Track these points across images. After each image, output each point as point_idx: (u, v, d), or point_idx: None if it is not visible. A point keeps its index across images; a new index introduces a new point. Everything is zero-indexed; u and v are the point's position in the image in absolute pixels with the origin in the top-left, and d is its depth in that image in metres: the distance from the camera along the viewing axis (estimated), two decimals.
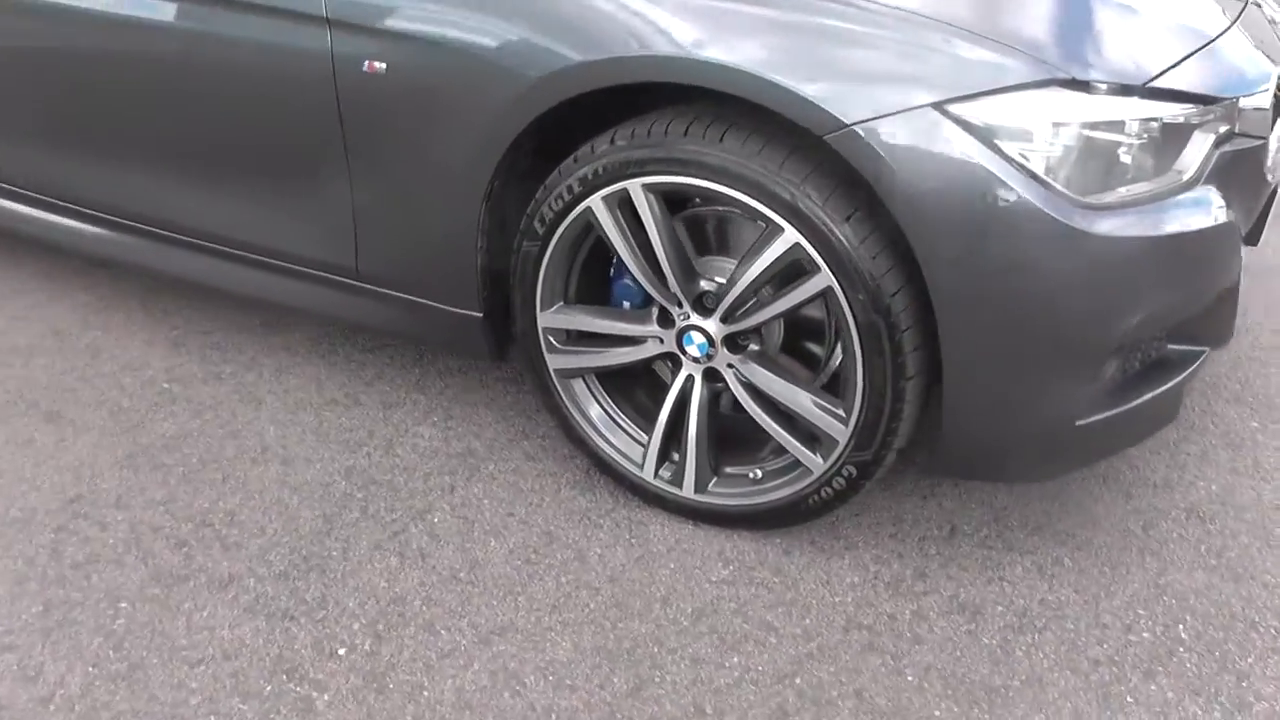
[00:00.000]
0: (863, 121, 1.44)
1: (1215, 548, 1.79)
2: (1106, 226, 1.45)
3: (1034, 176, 1.42)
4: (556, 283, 1.80)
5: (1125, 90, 1.48)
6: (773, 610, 1.66)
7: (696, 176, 1.58)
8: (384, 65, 1.75)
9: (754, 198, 1.54)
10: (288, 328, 2.41)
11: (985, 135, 1.42)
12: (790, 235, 1.54)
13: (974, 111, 1.42)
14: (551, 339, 1.84)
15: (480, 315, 1.90)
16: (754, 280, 1.61)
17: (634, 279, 1.76)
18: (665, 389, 1.81)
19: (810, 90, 1.45)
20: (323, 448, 2.03)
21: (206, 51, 1.96)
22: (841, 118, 1.44)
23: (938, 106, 1.42)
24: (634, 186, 1.63)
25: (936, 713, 1.50)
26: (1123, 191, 1.48)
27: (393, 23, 1.73)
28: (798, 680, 1.55)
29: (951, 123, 1.42)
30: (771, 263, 1.58)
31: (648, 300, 1.78)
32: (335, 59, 1.80)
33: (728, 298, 1.65)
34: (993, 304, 1.48)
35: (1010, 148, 1.42)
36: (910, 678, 1.56)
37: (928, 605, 1.67)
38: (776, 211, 1.54)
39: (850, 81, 1.46)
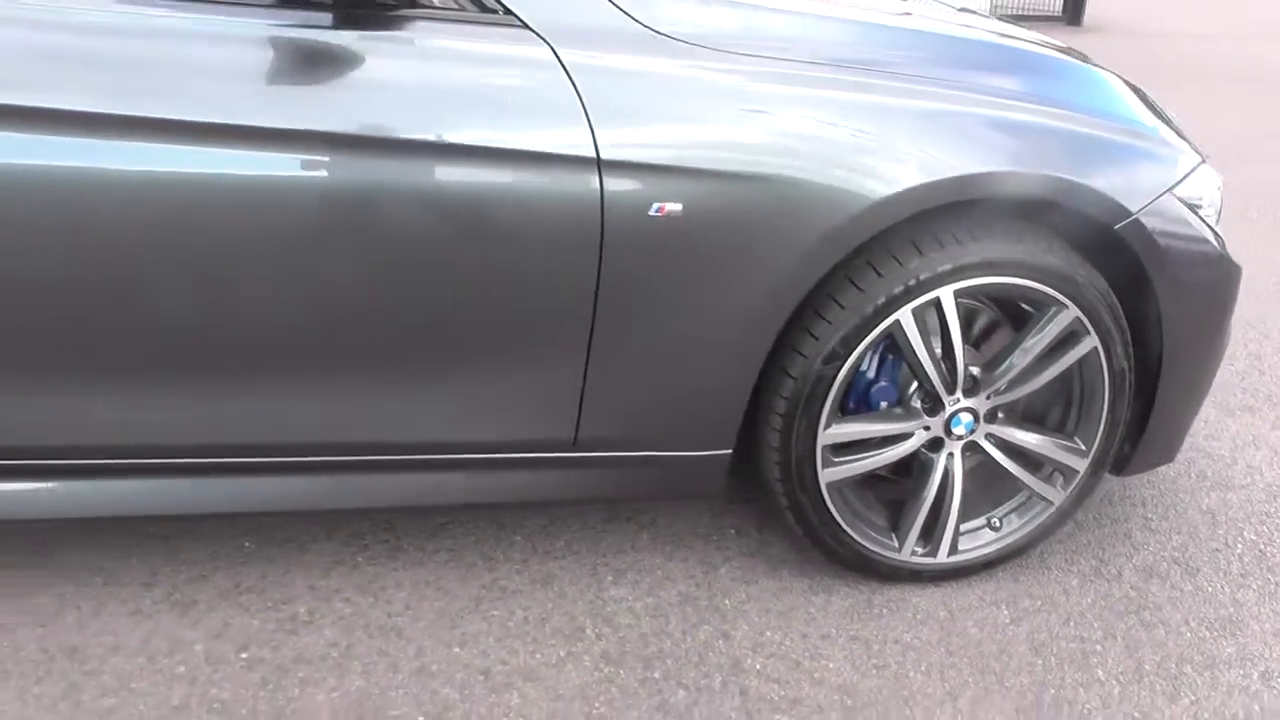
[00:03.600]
0: (1141, 209, 1.82)
1: None
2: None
3: (1213, 230, 1.95)
4: (836, 399, 1.82)
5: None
6: (1074, 620, 1.93)
7: (1004, 275, 1.78)
8: (679, 207, 1.61)
9: (1050, 285, 1.81)
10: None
11: (1193, 207, 1.90)
12: (1071, 312, 1.85)
13: (1185, 190, 1.89)
14: (829, 454, 1.85)
15: (729, 452, 1.82)
16: (1038, 355, 1.87)
17: (894, 379, 1.88)
18: (893, 475, 1.95)
19: (1105, 187, 1.79)
20: (542, 647, 1.76)
21: (384, 219, 1.56)
22: (1129, 208, 1.81)
23: (1170, 190, 1.87)
24: (945, 293, 1.77)
25: None
26: None
27: (696, 158, 1.60)
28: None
29: (1179, 202, 1.88)
30: (1054, 338, 1.86)
31: (899, 397, 1.91)
32: (607, 204, 1.59)
33: (1006, 375, 1.88)
34: (1203, 337, 1.97)
35: (1203, 213, 1.93)
36: None
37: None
38: (1064, 294, 1.83)
39: (1124, 179, 1.83)
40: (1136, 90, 2.05)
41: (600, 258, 1.61)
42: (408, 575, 1.92)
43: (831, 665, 1.79)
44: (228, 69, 1.54)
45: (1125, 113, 1.93)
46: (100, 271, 1.55)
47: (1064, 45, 2.16)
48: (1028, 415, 2.03)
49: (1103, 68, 2.03)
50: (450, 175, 1.57)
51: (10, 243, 1.53)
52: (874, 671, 1.79)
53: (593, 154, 1.57)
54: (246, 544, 1.98)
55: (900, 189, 1.67)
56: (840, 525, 1.91)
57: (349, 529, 2.03)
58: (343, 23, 1.56)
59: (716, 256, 1.65)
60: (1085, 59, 2.09)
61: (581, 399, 1.72)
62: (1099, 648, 1.88)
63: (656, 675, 1.74)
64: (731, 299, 1.68)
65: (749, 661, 1.78)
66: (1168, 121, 2.02)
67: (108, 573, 1.91)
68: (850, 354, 1.77)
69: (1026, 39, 2.11)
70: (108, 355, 1.61)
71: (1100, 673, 1.82)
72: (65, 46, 1.51)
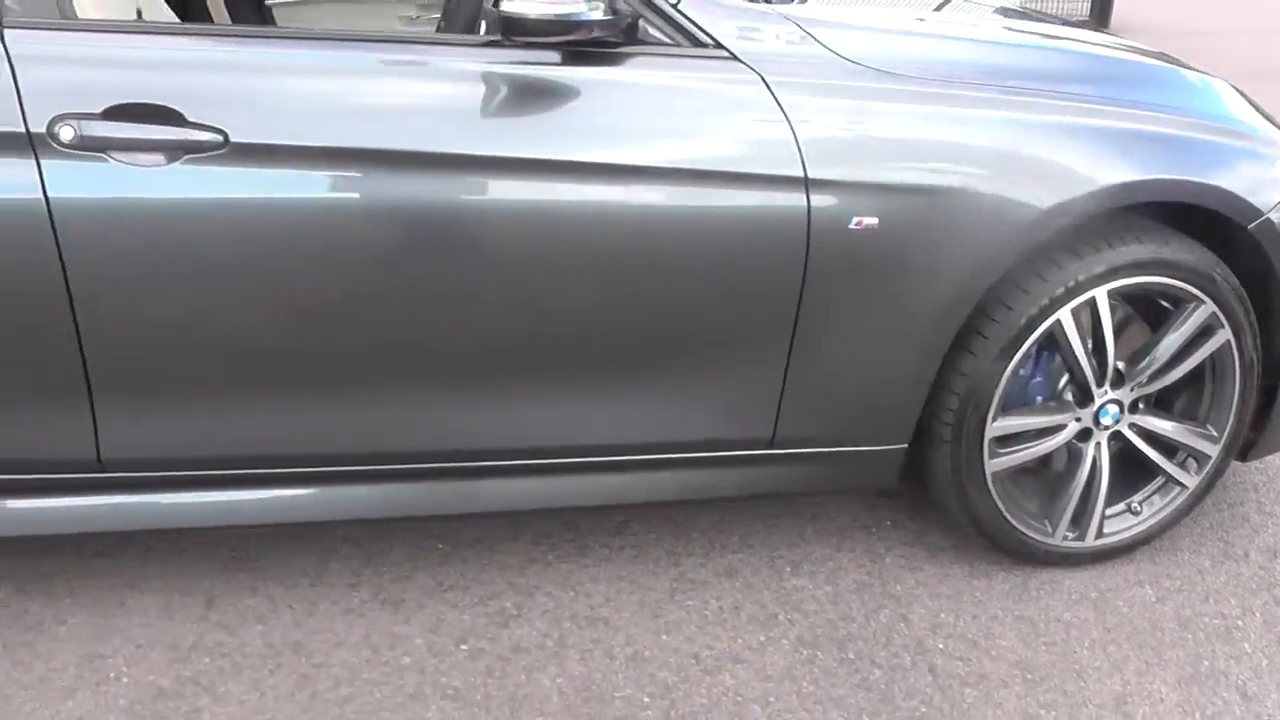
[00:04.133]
0: (1272, 209, 1.97)
1: None
2: None
3: None
4: (1003, 395, 1.96)
5: None
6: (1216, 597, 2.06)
7: (1152, 274, 1.93)
8: (875, 220, 1.75)
9: (1191, 283, 1.96)
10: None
11: None
12: (1208, 307, 1.99)
13: None
14: (994, 446, 1.99)
15: (905, 446, 1.96)
16: (1178, 349, 2.02)
17: (1047, 374, 2.03)
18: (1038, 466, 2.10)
19: (1239, 190, 1.94)
20: (742, 633, 1.90)
21: (606, 238, 1.71)
22: (1260, 208, 1.96)
23: None
24: (1100, 293, 1.92)
25: None
26: None
27: (889, 175, 1.75)
28: None
29: None
30: (1193, 332, 2.01)
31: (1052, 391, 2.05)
32: (813, 219, 1.73)
33: (1150, 368, 2.02)
34: None
35: None
36: None
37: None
38: (1203, 290, 1.98)
39: (1254, 182, 1.96)
40: (1241, 93, 2.21)
41: (805, 269, 1.76)
42: (601, 571, 2.03)
43: (1004, 643, 1.92)
44: (456, 104, 1.69)
45: (1245, 118, 2.08)
46: (350, 293, 1.69)
47: (1159, 51, 2.33)
48: (1161, 404, 2.18)
49: (1206, 73, 2.19)
50: (668, 197, 1.72)
51: (283, 272, 1.67)
52: (1044, 648, 1.92)
53: (801, 173, 1.71)
54: (440, 546, 2.10)
55: (1068, 197, 1.82)
56: (1002, 513, 2.04)
57: (534, 530, 2.14)
58: (568, 60, 1.71)
59: (906, 265, 1.79)
60: (1184, 64, 2.25)
61: (780, 400, 1.86)
62: (1240, 623, 2.02)
63: (851, 656, 1.86)
64: (917, 303, 1.82)
65: (930, 641, 1.91)
66: (1272, 121, 2.18)
67: (312, 575, 2.02)
68: (1016, 352, 1.91)
69: (1141, 50, 2.27)
70: (353, 370, 1.74)
71: (1246, 646, 1.96)
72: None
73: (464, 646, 1.86)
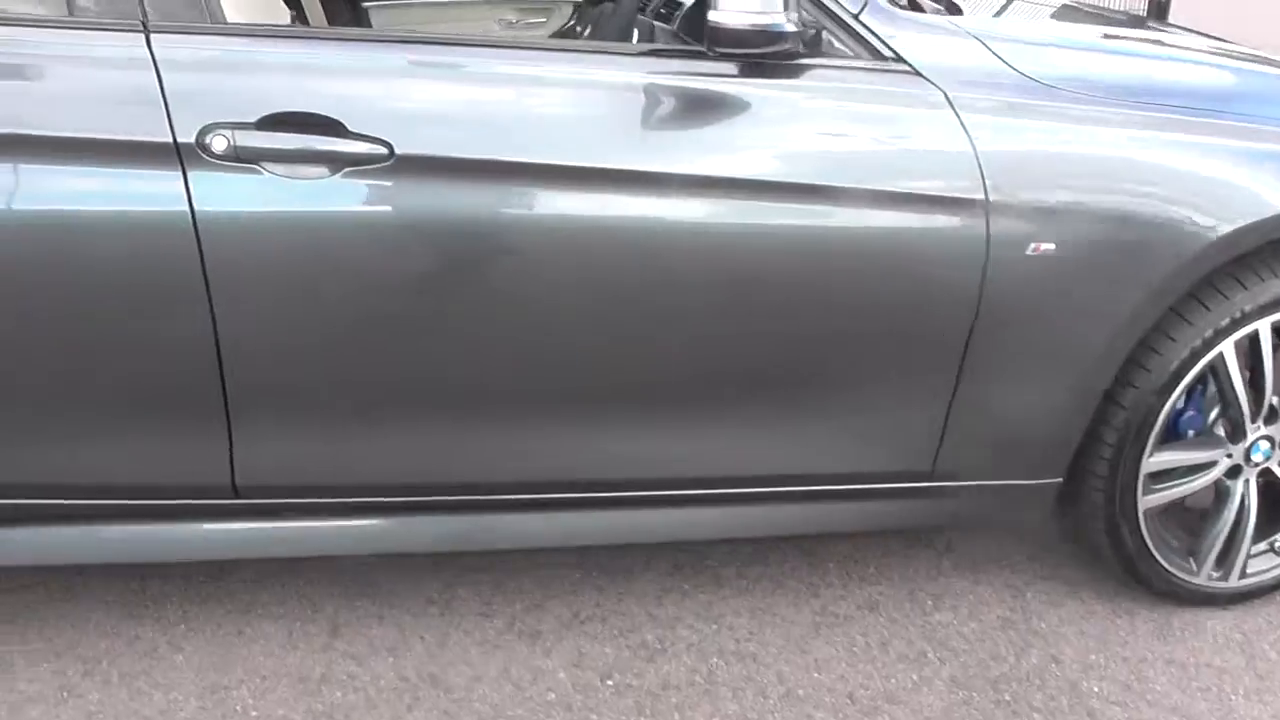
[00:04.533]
0: None
1: None
2: None
3: None
4: (1161, 429, 1.90)
5: None
6: None
7: None
8: (1053, 246, 1.69)
9: None
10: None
11: None
12: None
13: None
14: (1148, 482, 1.92)
15: (1060, 480, 1.89)
16: None
17: (1199, 408, 1.96)
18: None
19: None
20: (894, 672, 1.83)
21: (770, 261, 1.64)
22: None
23: None
24: (1264, 325, 1.85)
25: None
26: None
27: (1068, 198, 1.68)
28: None
29: None
30: None
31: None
32: (991, 244, 1.66)
33: None
34: None
35: None
36: None
37: None
38: None
39: None
40: None
41: (980, 296, 1.69)
42: (741, 603, 1.97)
43: (1158, 688, 1.86)
44: (624, 117, 1.62)
45: None
46: (515, 313, 1.63)
47: None
48: None
49: None
50: (842, 218, 1.65)
51: (447, 291, 1.60)
52: (1199, 694, 1.86)
53: (982, 196, 1.65)
54: (571, 573, 2.02)
55: (1242, 224, 1.75)
56: (1151, 550, 1.98)
57: (666, 558, 2.07)
58: (743, 71, 1.65)
59: (1079, 293, 1.73)
60: None
61: (944, 430, 1.80)
62: None
63: (1007, 698, 1.80)
64: (1088, 333, 1.76)
65: (1085, 684, 1.84)
66: None
67: (440, 603, 1.95)
68: (1178, 386, 1.85)
69: None
70: (513, 394, 1.68)
71: None
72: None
73: (609, 682, 1.79)
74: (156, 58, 1.54)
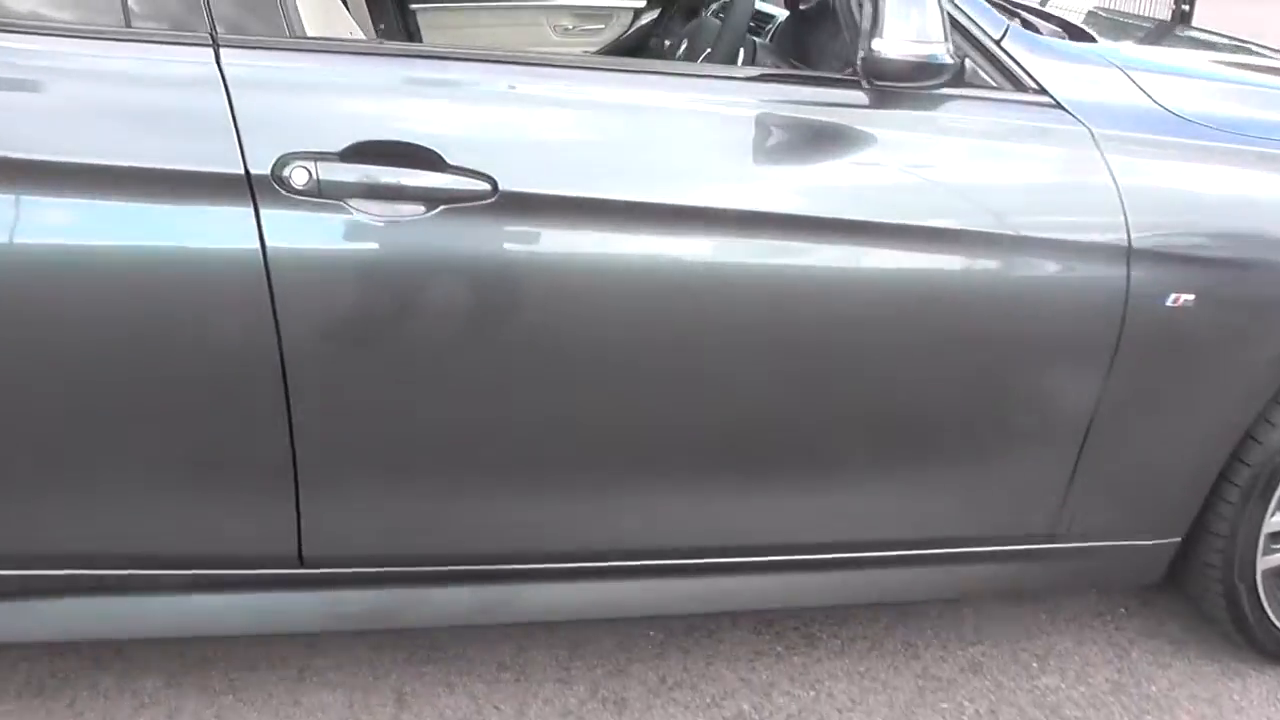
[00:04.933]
0: None
1: None
2: None
3: None
4: None
5: None
6: None
7: None
8: (1193, 296, 1.57)
9: None
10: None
11: None
12: None
13: None
14: (1268, 541, 1.81)
15: (1179, 539, 1.78)
16: None
17: None
18: None
19: None
20: None
21: (891, 308, 1.51)
22: None
23: None
24: None
25: None
26: None
27: (1211, 246, 1.56)
28: None
29: None
30: None
31: None
32: (1131, 294, 1.54)
33: None
34: None
35: None
36: None
37: None
38: None
39: None
40: None
41: (1116, 350, 1.57)
42: (836, 666, 1.83)
43: None
44: (756, 152, 1.47)
45: None
46: (627, 369, 1.48)
47: None
48: None
49: None
50: (978, 264, 1.51)
51: (561, 343, 1.45)
52: None
53: (1124, 241, 1.53)
54: (652, 634, 1.88)
55: None
56: (1266, 611, 1.87)
57: (752, 616, 1.93)
58: (880, 101, 1.50)
59: (1215, 348, 1.62)
60: None
61: (1067, 491, 1.67)
62: None
63: None
64: (1222, 388, 1.65)
65: None
66: None
67: (514, 669, 1.80)
68: None
69: None
70: (617, 456, 1.53)
71: None
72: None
73: None
74: (226, 76, 1.36)
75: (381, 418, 1.47)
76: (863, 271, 1.50)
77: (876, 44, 1.41)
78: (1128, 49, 1.86)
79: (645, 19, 2.80)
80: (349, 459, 1.49)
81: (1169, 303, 1.56)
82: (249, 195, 1.35)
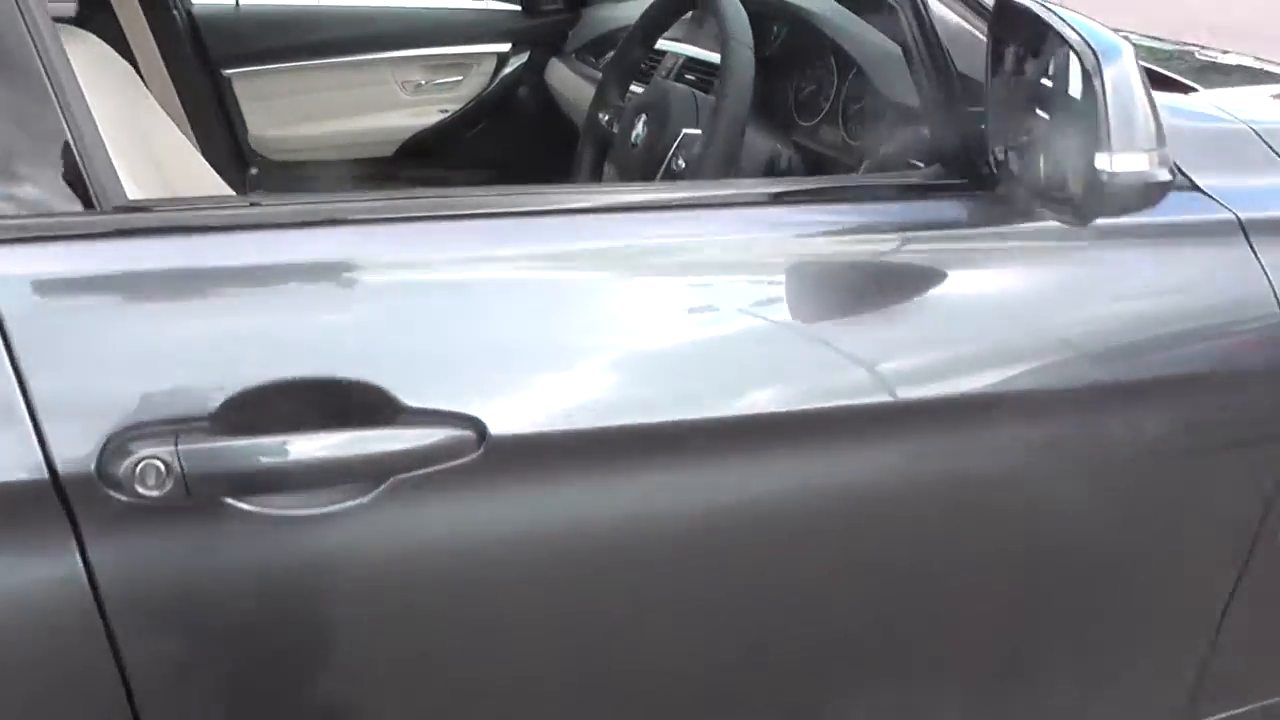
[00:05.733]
0: None
1: None
2: None
3: None
4: None
5: None
6: None
7: None
8: None
9: None
10: None
11: None
12: None
13: None
14: None
15: None
16: None
17: None
18: None
19: None
20: None
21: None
22: None
23: None
24: None
25: None
26: None
27: None
28: None
29: None
30: None
31: None
32: None
33: None
34: None
35: None
36: None
37: None
38: None
39: None
40: None
41: (1275, 497, 1.21)
42: None
43: None
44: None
45: None
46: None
47: None
48: None
49: None
50: (1130, 415, 1.12)
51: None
52: None
53: None
54: None
55: None
56: None
57: None
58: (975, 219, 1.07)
59: None
60: None
61: (1202, 668, 1.32)
62: None
63: None
64: None
65: None
66: None
67: None
68: None
69: None
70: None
71: None
72: None
73: None
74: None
75: None
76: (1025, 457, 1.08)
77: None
78: (1250, 103, 1.46)
79: (513, 65, 2.24)
80: None
81: None
82: (63, 512, 0.77)
